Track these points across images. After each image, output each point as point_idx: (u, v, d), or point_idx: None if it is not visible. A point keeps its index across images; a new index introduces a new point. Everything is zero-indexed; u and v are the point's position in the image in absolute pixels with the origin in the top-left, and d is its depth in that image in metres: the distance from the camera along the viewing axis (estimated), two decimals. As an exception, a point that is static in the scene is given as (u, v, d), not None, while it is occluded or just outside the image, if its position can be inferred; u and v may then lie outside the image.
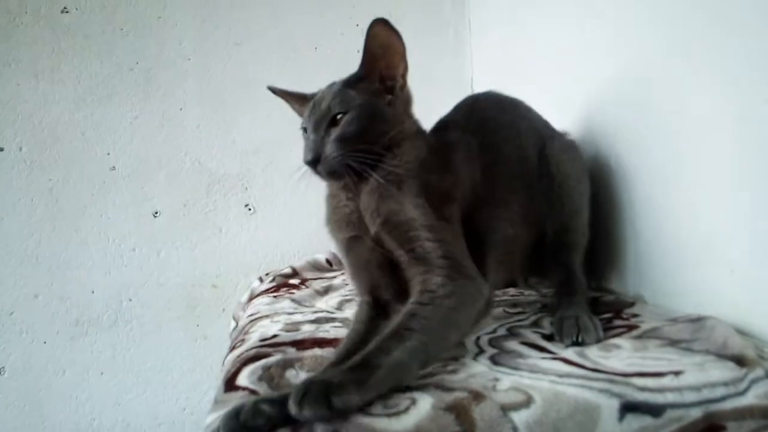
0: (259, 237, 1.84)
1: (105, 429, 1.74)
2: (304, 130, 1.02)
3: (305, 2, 1.85)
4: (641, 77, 1.10)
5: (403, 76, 1.00)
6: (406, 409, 0.67)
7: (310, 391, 0.63)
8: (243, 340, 1.04)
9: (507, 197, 1.06)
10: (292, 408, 0.62)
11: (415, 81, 1.84)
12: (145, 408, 1.77)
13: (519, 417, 0.66)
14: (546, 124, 1.22)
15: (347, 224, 0.97)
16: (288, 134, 1.79)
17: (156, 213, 1.76)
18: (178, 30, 1.77)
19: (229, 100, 1.81)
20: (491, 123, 1.13)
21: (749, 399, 0.70)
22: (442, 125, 1.10)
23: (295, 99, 1.12)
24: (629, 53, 1.13)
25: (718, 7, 0.89)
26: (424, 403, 0.68)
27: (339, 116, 0.95)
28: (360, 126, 0.94)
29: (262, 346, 0.97)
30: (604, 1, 1.21)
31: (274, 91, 1.15)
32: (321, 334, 1.02)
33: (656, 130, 1.05)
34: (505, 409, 0.67)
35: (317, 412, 0.62)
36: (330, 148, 0.93)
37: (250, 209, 1.83)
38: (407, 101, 1.04)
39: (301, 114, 1.09)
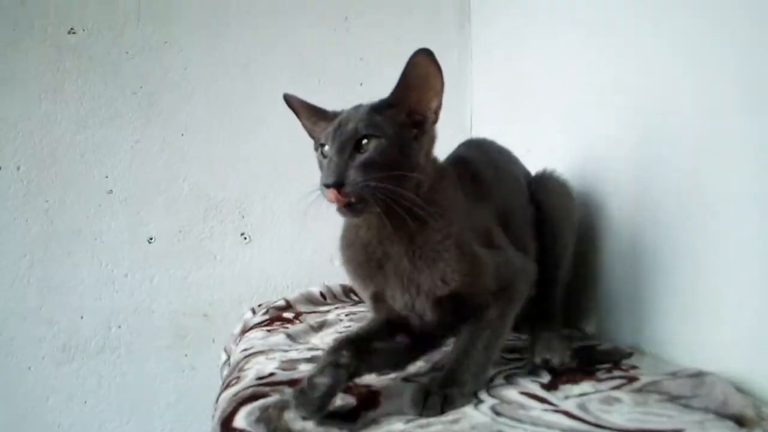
0: (254, 266, 1.83)
1: (85, 458, 1.71)
2: (320, 149, 0.94)
3: (310, 34, 1.87)
4: (646, 120, 1.11)
5: (436, 112, 0.94)
6: (411, 461, 0.67)
7: (429, 403, 0.82)
8: (238, 378, 1.02)
9: (520, 226, 1.11)
10: (414, 411, 0.81)
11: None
12: (129, 438, 1.73)
13: (523, 472, 0.66)
14: (526, 170, 1.29)
15: (378, 271, 0.95)
16: (287, 165, 1.82)
17: (151, 239, 1.75)
18: (184, 55, 1.78)
19: (230, 127, 1.81)
20: (495, 162, 1.17)
21: (750, 461, 0.70)
22: (460, 160, 1.09)
23: (312, 112, 1.03)
24: (633, 91, 1.15)
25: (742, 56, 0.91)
26: (428, 455, 0.68)
27: (365, 141, 0.89)
28: (388, 156, 0.88)
29: (258, 385, 0.95)
30: (607, 37, 1.23)
31: (289, 99, 1.04)
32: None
33: (664, 185, 1.06)
34: (509, 463, 0.67)
35: (434, 415, 0.80)
36: (354, 174, 0.86)
37: (245, 238, 1.82)
38: (433, 139, 0.98)
39: (311, 131, 1.05)
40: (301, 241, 1.86)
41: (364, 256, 0.96)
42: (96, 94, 1.72)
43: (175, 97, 1.78)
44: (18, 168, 1.65)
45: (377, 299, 0.98)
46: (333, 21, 1.89)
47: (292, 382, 0.96)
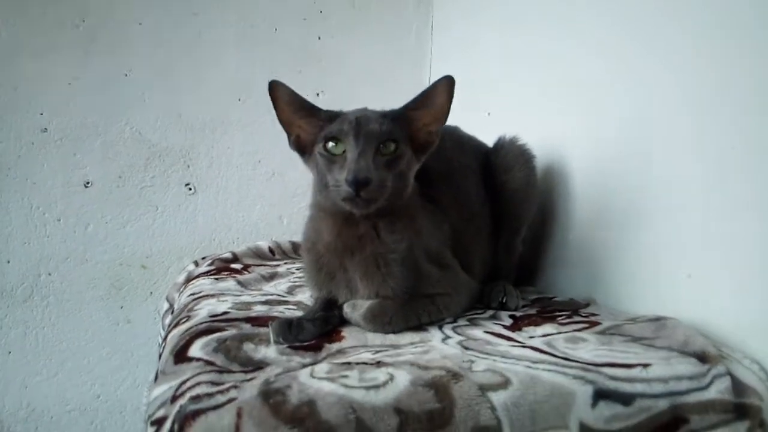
0: (198, 219, 1.74)
1: (7, 412, 1.59)
2: (325, 143, 0.89)
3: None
4: (606, 97, 1.13)
5: (437, 135, 0.96)
6: (385, 384, 0.64)
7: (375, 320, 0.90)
8: (188, 317, 0.97)
9: (478, 231, 1.14)
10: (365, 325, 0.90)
11: (376, 75, 1.81)
12: (55, 392, 1.62)
13: (497, 397, 0.65)
14: (482, 145, 1.27)
15: (330, 281, 0.97)
16: (236, 118, 1.74)
17: (87, 183, 1.63)
18: (132, -8, 1.66)
19: (179, 71, 1.71)
20: (454, 163, 1.15)
21: (711, 393, 0.72)
22: (424, 177, 1.03)
23: (300, 106, 0.94)
24: (592, 59, 1.16)
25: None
26: (402, 379, 0.66)
27: (387, 144, 0.88)
28: (401, 163, 0.90)
29: (213, 321, 0.91)
30: (565, 8, 1.24)
31: (276, 86, 0.93)
32: (275, 314, 0.97)
33: (618, 143, 1.09)
34: (484, 389, 0.66)
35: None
36: (379, 176, 0.85)
37: (190, 189, 1.73)
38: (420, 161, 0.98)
39: (291, 123, 0.96)
40: (250, 197, 1.79)
41: (319, 267, 0.98)
42: (32, 22, 1.58)
43: (121, 34, 1.66)
44: (-60, 98, 1.51)
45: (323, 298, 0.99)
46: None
47: (249, 320, 0.92)
